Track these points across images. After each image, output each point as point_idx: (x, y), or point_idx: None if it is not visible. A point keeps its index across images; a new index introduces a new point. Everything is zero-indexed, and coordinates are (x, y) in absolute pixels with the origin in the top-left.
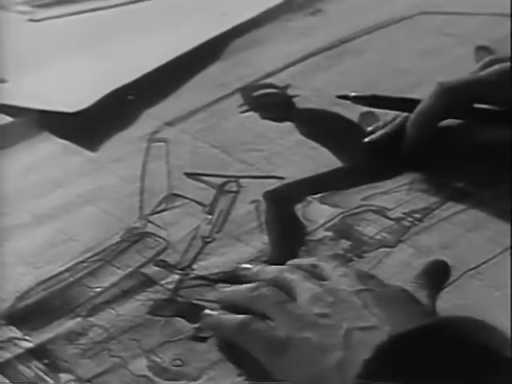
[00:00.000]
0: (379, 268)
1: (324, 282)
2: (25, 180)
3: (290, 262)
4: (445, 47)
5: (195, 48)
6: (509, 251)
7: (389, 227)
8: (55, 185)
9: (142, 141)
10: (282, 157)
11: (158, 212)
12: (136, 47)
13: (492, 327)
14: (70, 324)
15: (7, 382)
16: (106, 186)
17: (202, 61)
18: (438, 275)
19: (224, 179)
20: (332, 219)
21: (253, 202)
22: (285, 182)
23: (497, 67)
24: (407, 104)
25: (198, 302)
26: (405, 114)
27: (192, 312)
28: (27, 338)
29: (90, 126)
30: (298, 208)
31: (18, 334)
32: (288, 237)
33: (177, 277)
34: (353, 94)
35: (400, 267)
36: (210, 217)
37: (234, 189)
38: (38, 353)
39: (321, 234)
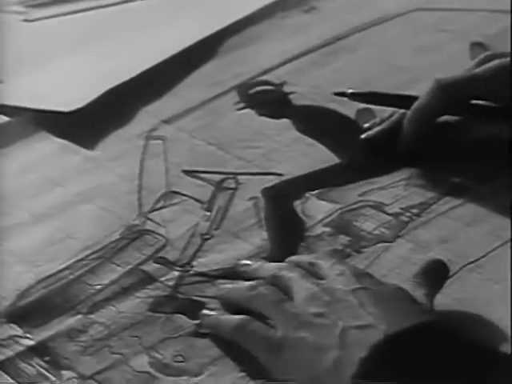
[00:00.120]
0: (378, 263)
1: (321, 281)
2: (23, 179)
3: (288, 259)
4: (440, 43)
5: (191, 46)
6: (507, 244)
7: (387, 222)
8: (53, 184)
9: (140, 139)
10: (280, 153)
11: (156, 209)
12: (132, 46)
13: (488, 321)
14: (70, 321)
15: (9, 379)
16: (104, 184)
17: (199, 59)
18: (435, 274)
19: (222, 176)
20: (330, 215)
21: (251, 198)
22: (283, 178)
23: (493, 63)
24: (404, 101)
25: (198, 299)
26: (402, 111)
27: (192, 308)
28: (28, 335)
29: (87, 125)
30: (297, 204)
31: (18, 331)
32: (287, 233)
33: (176, 273)
34: (350, 90)
35: (399, 262)
36: (208, 214)
37: (232, 186)
38: (39, 350)
39: (319, 229)
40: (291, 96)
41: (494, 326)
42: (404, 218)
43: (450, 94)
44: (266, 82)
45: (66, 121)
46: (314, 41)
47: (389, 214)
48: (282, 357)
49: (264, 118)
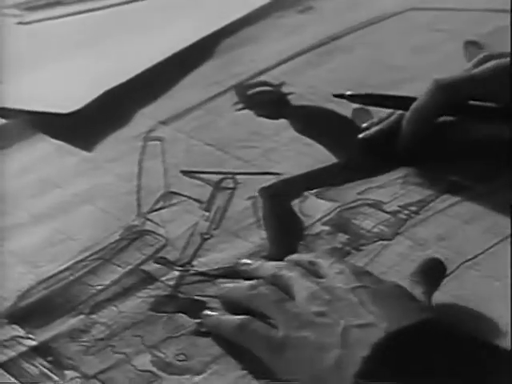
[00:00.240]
0: (377, 261)
1: (321, 280)
2: (22, 180)
3: (288, 258)
4: (435, 43)
5: (188, 47)
6: (505, 241)
7: (385, 220)
8: (52, 185)
9: (138, 140)
10: (278, 153)
11: (155, 210)
12: (129, 47)
13: (482, 315)
14: (72, 322)
15: (12, 379)
16: (102, 185)
17: (195, 60)
18: (433, 273)
19: (220, 176)
20: (329, 213)
21: (250, 198)
22: (280, 178)
23: (491, 64)
24: (403, 102)
25: (199, 298)
26: (400, 111)
27: (193, 307)
28: (30, 336)
29: (84, 127)
30: (295, 203)
31: (20, 332)
32: (285, 232)
33: (177, 273)
34: (348, 92)
35: (398, 259)
36: (207, 213)
37: (231, 185)
38: (42, 350)
39: (318, 228)
40: (289, 96)
41: (488, 319)
42: (402, 216)
43: (449, 94)
44: (265, 83)
45: (64, 123)
46: (309, 41)
47: (387, 212)
48: (284, 356)
49: (261, 118)
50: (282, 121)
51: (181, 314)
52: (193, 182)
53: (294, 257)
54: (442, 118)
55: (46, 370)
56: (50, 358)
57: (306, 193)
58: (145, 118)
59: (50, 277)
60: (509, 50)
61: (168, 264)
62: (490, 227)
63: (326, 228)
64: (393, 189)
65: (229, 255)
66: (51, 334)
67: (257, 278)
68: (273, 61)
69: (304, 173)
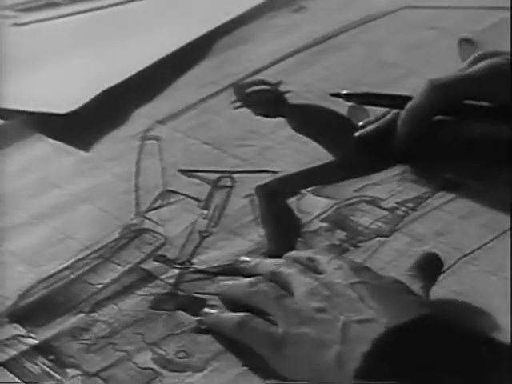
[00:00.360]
0: (375, 257)
1: (320, 276)
2: (20, 181)
3: (287, 255)
4: (430, 41)
5: (183, 47)
6: (502, 236)
7: (383, 217)
8: (50, 185)
9: (135, 139)
10: (274, 151)
11: (154, 209)
12: (125, 48)
13: (479, 309)
14: (73, 320)
15: (14, 378)
16: (101, 185)
17: (190, 59)
18: (430, 268)
19: (218, 175)
20: (327, 210)
21: (247, 196)
22: (276, 176)
23: (485, 63)
24: (399, 101)
25: (199, 295)
26: (396, 110)
27: (193, 305)
28: (31, 334)
29: (81, 127)
30: (293, 200)
31: (22, 331)
32: (283, 229)
33: (176, 271)
34: (345, 91)
35: (396, 255)
36: (205, 212)
37: (229, 184)
38: (43, 349)
39: (316, 225)
40: (287, 95)
41: (486, 314)
42: (400, 212)
43: (444, 94)
44: (263, 82)
45: (61, 123)
46: (304, 40)
47: (385, 209)
48: (284, 353)
49: (258, 117)
50: (279, 119)
51: (181, 312)
52: (190, 180)
53: (293, 253)
54: (437, 117)
55: (47, 369)
56: (51, 357)
57: (303, 190)
58: (142, 117)
59: (51, 276)
60: (503, 48)
61: (167, 262)
62: (486, 223)
63: (324, 225)
64: (390, 185)
65: (228, 253)
66: (52, 332)
67: (256, 275)
68: (268, 60)
69: (299, 171)
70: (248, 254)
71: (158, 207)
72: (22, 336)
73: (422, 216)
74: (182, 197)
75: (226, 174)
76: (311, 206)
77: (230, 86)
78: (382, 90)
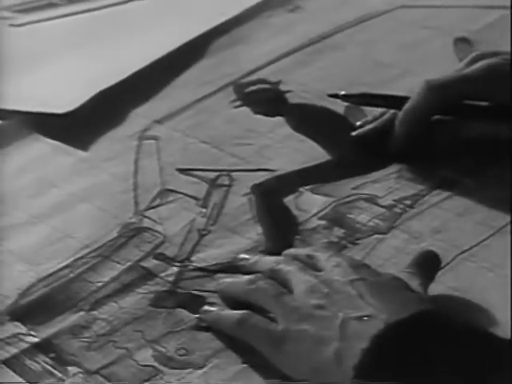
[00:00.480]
0: (373, 254)
1: (319, 273)
2: (19, 181)
3: (286, 252)
4: (425, 40)
5: (180, 47)
6: (499, 233)
7: (381, 214)
8: (49, 185)
9: (133, 139)
10: (272, 150)
11: (152, 207)
12: (122, 48)
13: (479, 306)
14: (73, 318)
15: (15, 376)
16: (99, 184)
17: (187, 59)
18: (428, 265)
19: (216, 173)
20: (325, 208)
21: (245, 194)
22: (273, 174)
23: (483, 63)
24: (396, 101)
25: (198, 293)
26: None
27: (193, 302)
28: (32, 333)
29: (79, 127)
30: (290, 198)
31: (22, 329)
32: (279, 228)
33: (176, 269)
34: (342, 92)
35: (394, 252)
36: (204, 210)
37: (227, 182)
38: (44, 347)
39: (314, 222)
40: (287, 94)
41: (484, 310)
42: (397, 210)
43: (441, 95)
44: (263, 81)
45: (59, 123)
46: (300, 39)
47: (382, 206)
48: (284, 349)
49: (256, 116)
50: (277, 118)
51: (180, 309)
52: (189, 179)
53: (292, 251)
54: (435, 117)
55: (48, 367)
56: (52, 355)
57: (300, 188)
58: (139, 117)
59: (50, 274)
60: (498, 48)
61: (167, 260)
62: (483, 219)
63: (322, 222)
64: (387, 183)
65: (226, 251)
66: (53, 330)
67: (255, 272)
68: (264, 60)
69: (296, 170)
70: (247, 251)
71: (157, 206)
72: (23, 334)
73: (419, 213)
74: (180, 195)
75: (224, 173)
76: (309, 203)
77: (228, 85)
78: (377, 90)
